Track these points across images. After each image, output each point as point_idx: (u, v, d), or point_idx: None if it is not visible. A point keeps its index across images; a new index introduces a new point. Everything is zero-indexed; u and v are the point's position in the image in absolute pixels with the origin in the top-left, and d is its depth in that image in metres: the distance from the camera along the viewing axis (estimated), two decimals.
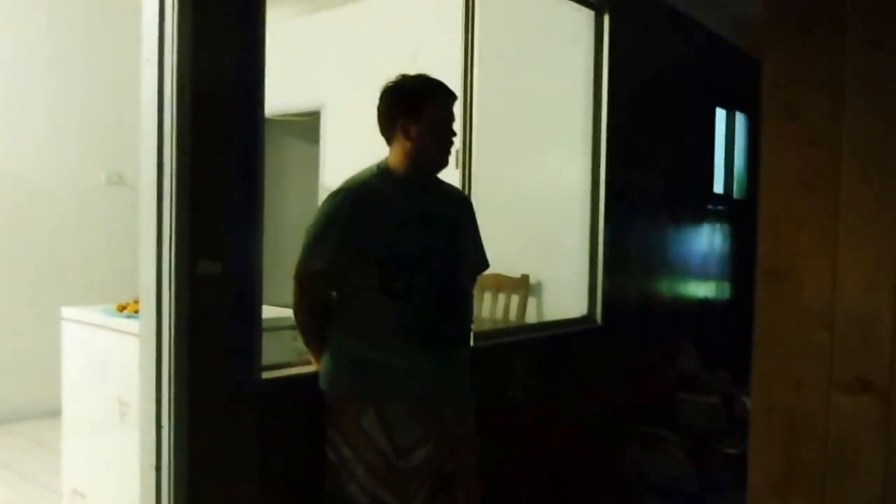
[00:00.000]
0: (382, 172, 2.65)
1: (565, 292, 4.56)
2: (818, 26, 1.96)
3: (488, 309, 4.83)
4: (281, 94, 5.53)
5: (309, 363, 2.77)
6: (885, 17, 1.87)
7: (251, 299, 2.58)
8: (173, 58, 2.39)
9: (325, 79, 5.31)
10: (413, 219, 2.60)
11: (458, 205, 2.88)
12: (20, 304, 5.36)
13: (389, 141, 2.67)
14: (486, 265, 2.96)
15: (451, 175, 3.34)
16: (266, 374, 2.66)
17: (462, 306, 2.75)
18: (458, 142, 3.51)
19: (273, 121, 6.00)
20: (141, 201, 2.46)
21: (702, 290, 5.83)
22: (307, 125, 5.72)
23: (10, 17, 5.42)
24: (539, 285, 4.82)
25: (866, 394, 1.88)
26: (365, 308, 2.59)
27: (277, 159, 6.07)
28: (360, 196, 2.58)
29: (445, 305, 2.65)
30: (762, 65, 2.05)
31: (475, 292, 4.43)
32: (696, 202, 5.77)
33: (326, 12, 5.41)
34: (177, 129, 2.39)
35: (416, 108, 2.59)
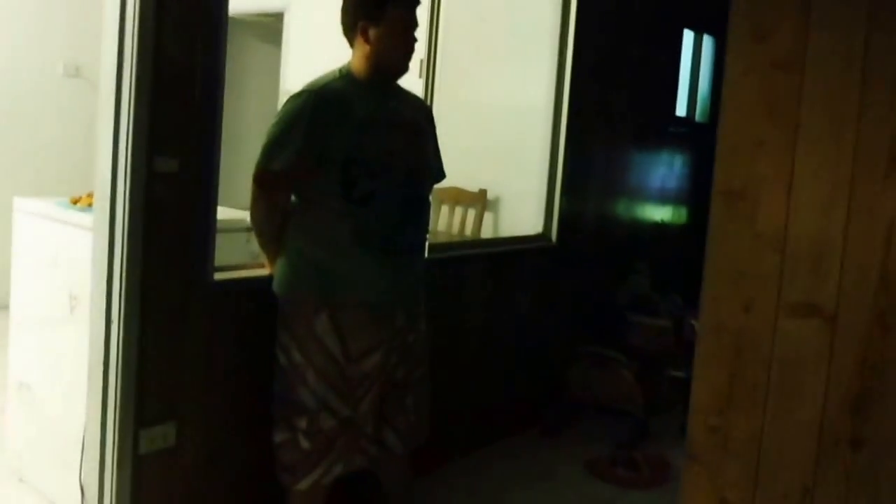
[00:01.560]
0: (344, 76, 2.63)
1: (523, 209, 4.56)
2: None
3: (445, 222, 4.83)
4: None
5: (262, 266, 2.76)
6: None
7: (206, 199, 2.55)
8: None
9: None
10: (374, 122, 2.59)
11: (420, 112, 2.87)
12: None
13: (351, 44, 2.63)
14: (442, 175, 2.97)
15: (414, 84, 3.30)
16: (219, 275, 2.65)
17: (417, 214, 2.76)
18: (422, 50, 3.47)
19: (236, 20, 5.85)
20: (100, 94, 2.41)
21: (659, 213, 5.87)
22: (270, 26, 5.59)
23: None
24: (497, 201, 4.82)
25: (813, 318, 1.91)
26: (323, 213, 2.58)
27: (239, 59, 5.93)
28: (321, 98, 2.56)
29: (405, 212, 2.66)
30: None
31: (433, 204, 4.45)
32: (658, 125, 5.77)
33: None
34: (139, 23, 2.33)
35: (377, 12, 2.57)
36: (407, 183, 2.65)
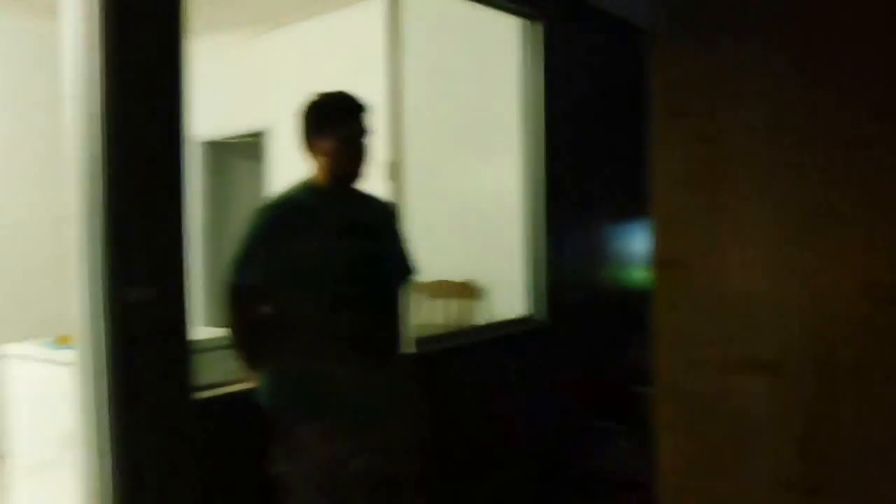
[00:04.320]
0: (305, 187, 2.73)
1: (512, 294, 4.63)
2: (701, 32, 2.07)
3: (437, 315, 4.90)
4: (228, 117, 5.65)
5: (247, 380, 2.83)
6: (753, 30, 1.99)
7: (180, 322, 2.64)
8: (98, 95, 2.46)
9: (269, 100, 5.37)
10: (337, 228, 2.67)
11: (383, 213, 2.95)
12: None
13: (310, 157, 2.74)
14: (411, 272, 3.01)
15: (384, 187, 3.43)
16: (204, 394, 2.72)
17: (389, 314, 2.82)
18: (391, 154, 3.61)
19: (221, 143, 6.07)
20: (71, 234, 2.51)
21: (646, 282, 5.90)
22: (253, 145, 5.78)
23: None
24: (486, 289, 4.89)
25: (757, 374, 1.98)
26: (296, 321, 2.64)
27: (226, 179, 6.14)
28: (282, 210, 2.67)
29: (377, 313, 2.73)
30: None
31: (420, 299, 4.53)
32: (632, 199, 5.85)
33: (268, 35, 5.48)
34: (104, 165, 2.46)
35: (326, 125, 2.68)
36: (374, 284, 2.73)
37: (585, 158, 4.93)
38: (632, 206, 5.71)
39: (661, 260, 2.10)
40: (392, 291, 2.88)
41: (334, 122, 2.69)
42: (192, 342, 2.70)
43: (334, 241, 2.65)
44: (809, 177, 1.90)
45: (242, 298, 2.65)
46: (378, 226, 2.85)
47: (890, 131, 1.80)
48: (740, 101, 1.99)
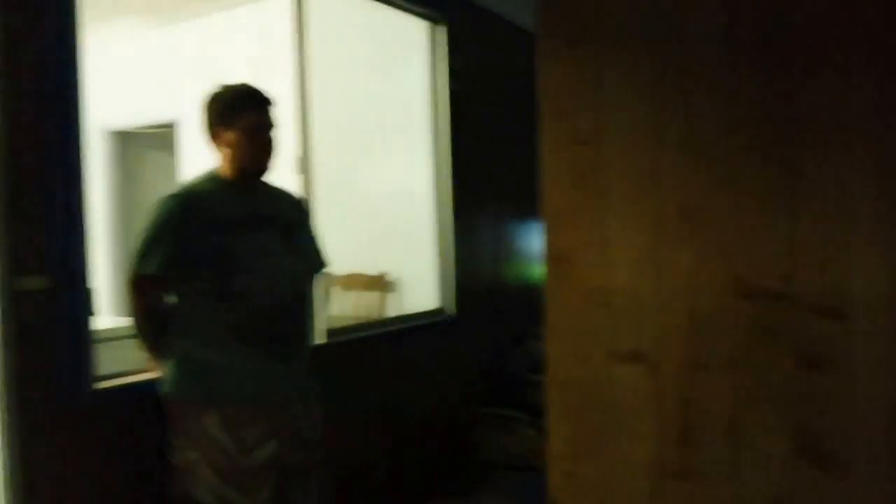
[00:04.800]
0: (211, 178, 2.75)
1: (422, 287, 4.74)
2: (582, 38, 2.17)
3: (350, 307, 4.96)
4: (139, 107, 5.59)
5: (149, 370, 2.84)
6: (636, 30, 2.09)
7: (78, 311, 2.63)
8: None
9: (180, 91, 5.33)
10: (241, 220, 2.68)
11: (290, 206, 2.97)
12: None
13: (215, 149, 2.77)
14: (323, 264, 3.05)
15: (292, 180, 3.47)
16: (104, 384, 2.72)
17: (296, 306, 2.83)
18: (298, 148, 3.65)
19: (130, 133, 6.00)
20: None
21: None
22: (164, 136, 5.73)
23: None
24: (398, 282, 4.97)
25: (638, 364, 2.09)
26: (200, 311, 2.66)
27: (136, 170, 6.07)
28: (186, 200, 2.67)
29: (279, 305, 2.73)
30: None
31: (332, 291, 4.57)
32: (533, 197, 5.99)
33: (180, 25, 5.44)
34: None
35: (229, 117, 2.70)
36: (276, 277, 2.73)
37: (490, 157, 5.05)
38: (533, 204, 5.86)
39: (551, 256, 2.20)
40: (299, 284, 2.89)
41: (237, 113, 2.70)
42: (93, 331, 2.70)
43: (238, 232, 2.65)
44: (688, 179, 2.01)
45: (144, 288, 2.65)
46: (285, 219, 2.85)
47: (759, 139, 1.93)
48: (620, 105, 2.10)
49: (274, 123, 2.77)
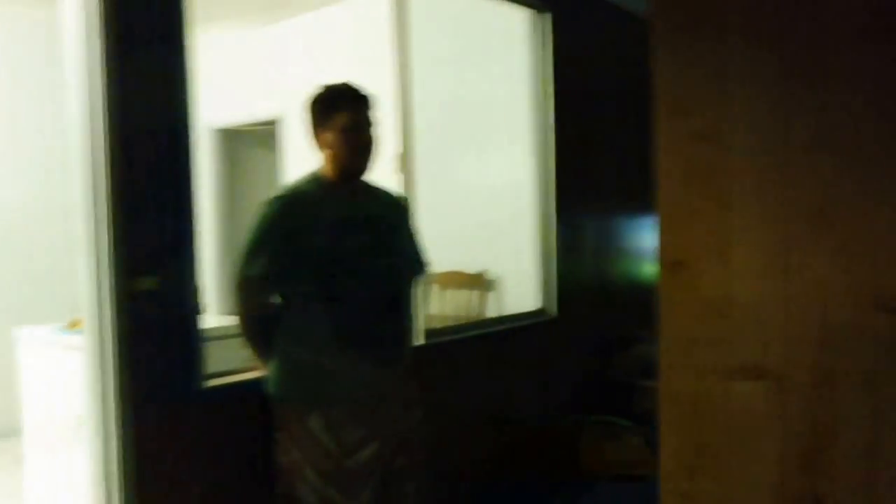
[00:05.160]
0: (313, 179, 2.74)
1: (523, 286, 4.65)
2: (702, 27, 2.04)
3: (449, 306, 4.91)
4: (242, 105, 5.66)
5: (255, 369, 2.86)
6: (763, 18, 1.96)
7: (188, 311, 2.67)
8: (101, 85, 2.48)
9: (283, 89, 5.38)
10: (342, 222, 2.67)
11: (391, 207, 2.94)
12: None
13: (316, 149, 2.76)
14: (422, 265, 3.00)
15: (393, 178, 3.44)
16: (213, 382, 2.75)
17: (397, 308, 2.82)
18: (400, 145, 3.61)
19: (233, 131, 6.09)
20: (77, 222, 2.56)
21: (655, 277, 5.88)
22: (268, 134, 5.80)
23: None
24: (498, 280, 4.90)
25: (761, 380, 1.96)
26: (303, 313, 2.67)
27: (240, 168, 6.15)
28: (290, 202, 2.68)
29: (381, 306, 2.73)
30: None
31: (431, 290, 4.53)
32: (642, 192, 5.84)
33: (281, 22, 5.49)
34: (106, 152, 2.48)
35: (326, 118, 2.69)
36: (378, 278, 2.73)
37: (596, 150, 4.92)
38: (642, 200, 5.70)
39: (666, 261, 2.08)
40: (401, 285, 2.88)
41: (333, 113, 2.68)
42: (201, 330, 2.73)
43: (341, 234, 2.65)
44: (821, 178, 1.86)
45: (251, 290, 2.67)
46: (386, 219, 2.84)
47: None
48: (743, 99, 1.96)
49: (371, 122, 2.73)
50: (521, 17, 4.47)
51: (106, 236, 2.50)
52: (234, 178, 6.09)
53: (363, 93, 2.72)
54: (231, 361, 3.06)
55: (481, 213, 4.85)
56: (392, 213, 2.91)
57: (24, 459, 3.29)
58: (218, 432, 2.78)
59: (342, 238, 2.65)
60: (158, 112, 2.62)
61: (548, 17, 4.44)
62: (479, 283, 4.85)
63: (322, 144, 2.72)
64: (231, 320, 3.21)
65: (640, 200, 5.67)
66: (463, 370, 3.86)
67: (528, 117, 4.50)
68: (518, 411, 4.17)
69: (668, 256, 2.11)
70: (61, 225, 5.40)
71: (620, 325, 5.07)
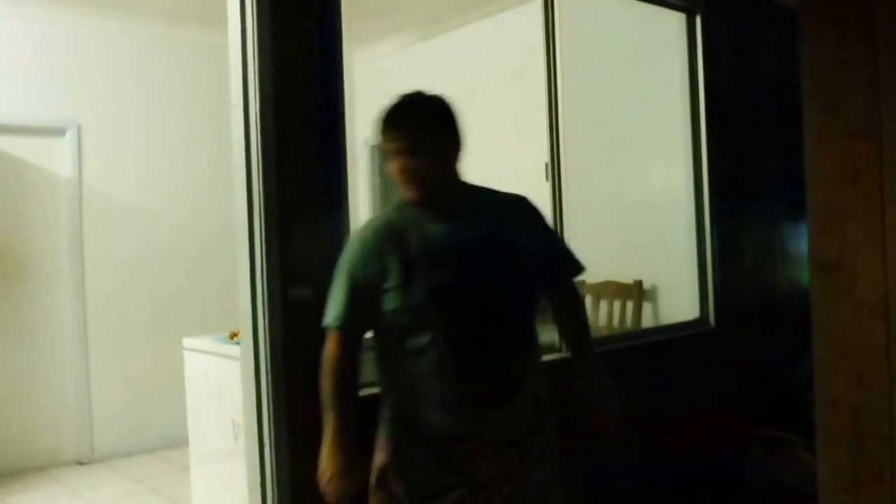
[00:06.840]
0: (399, 207, 2.34)
1: (680, 296, 4.52)
2: (853, 22, 1.94)
3: (604, 316, 4.84)
4: None
5: None
6: None
7: None
8: (256, 103, 2.62)
9: None
10: (433, 252, 2.26)
11: (505, 213, 2.40)
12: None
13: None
14: (575, 265, 2.52)
15: (540, 188, 3.42)
16: (365, 391, 2.80)
17: (516, 336, 2.37)
18: (547, 154, 3.59)
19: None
20: (236, 235, 2.70)
21: None
22: None
23: (147, 85, 5.94)
24: (654, 290, 4.78)
25: None
26: (396, 356, 2.32)
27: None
28: (366, 240, 2.31)
29: (495, 333, 2.29)
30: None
31: (589, 301, 4.46)
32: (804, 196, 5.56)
33: (430, 41, 5.61)
34: (262, 167, 2.62)
35: (380, 138, 2.31)
36: (490, 296, 2.28)
37: (754, 154, 4.72)
38: (804, 204, 5.44)
39: (818, 263, 1.98)
40: (516, 309, 2.37)
41: (381, 136, 2.29)
42: None
43: (429, 266, 2.23)
44: None
45: (331, 341, 2.31)
46: (499, 232, 2.34)
47: None
48: None
49: (412, 148, 2.22)
50: (672, 21, 4.38)
51: (261, 248, 2.61)
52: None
53: (408, 113, 2.28)
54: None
55: (635, 222, 4.75)
56: (508, 219, 2.38)
57: (190, 470, 3.46)
58: (372, 442, 2.81)
59: (431, 270, 2.23)
60: (313, 129, 2.73)
61: (699, 19, 4.32)
62: (634, 293, 4.75)
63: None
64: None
65: (801, 204, 5.43)
66: (618, 382, 3.76)
67: (681, 122, 4.38)
68: (678, 426, 4.03)
69: (821, 258, 2.01)
70: (228, 238, 5.83)
71: (790, 336, 4.84)
